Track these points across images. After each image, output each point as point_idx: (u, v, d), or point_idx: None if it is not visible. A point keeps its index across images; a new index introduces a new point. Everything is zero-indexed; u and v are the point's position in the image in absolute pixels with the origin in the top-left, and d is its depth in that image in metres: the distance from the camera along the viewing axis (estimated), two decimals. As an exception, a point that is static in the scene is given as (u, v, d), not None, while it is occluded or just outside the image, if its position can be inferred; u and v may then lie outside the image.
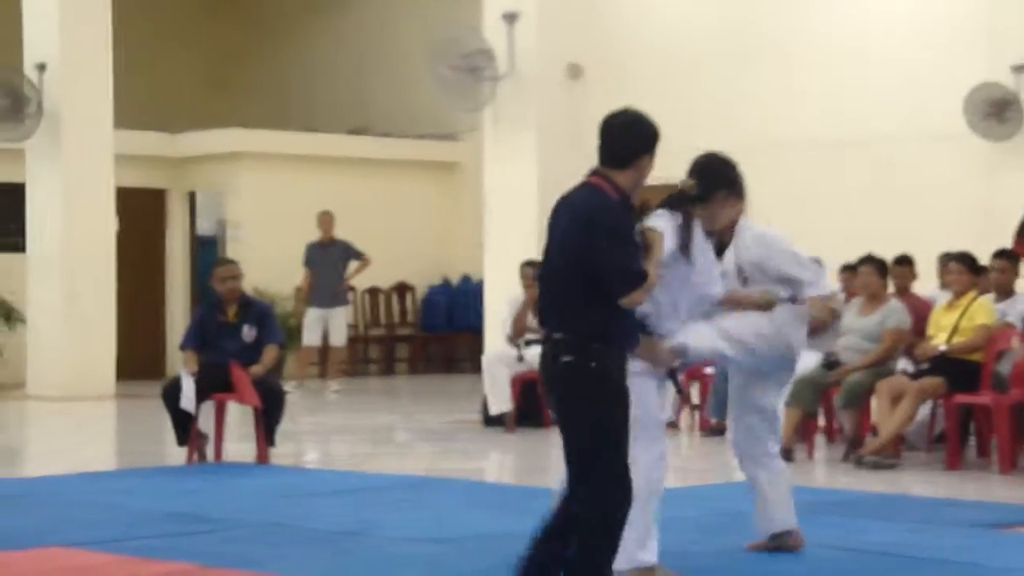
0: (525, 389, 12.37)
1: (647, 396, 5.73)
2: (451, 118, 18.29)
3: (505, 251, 13.52)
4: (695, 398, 12.63)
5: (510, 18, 13.73)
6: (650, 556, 5.69)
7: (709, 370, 12.18)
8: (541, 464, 10.89)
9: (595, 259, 5.01)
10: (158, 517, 7.73)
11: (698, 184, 5.89)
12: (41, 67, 15.66)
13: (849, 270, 11.20)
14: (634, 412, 5.24)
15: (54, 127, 15.63)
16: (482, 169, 14.11)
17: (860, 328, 10.28)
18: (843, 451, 10.18)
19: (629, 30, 16.82)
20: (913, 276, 11.22)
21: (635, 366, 5.58)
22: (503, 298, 12.81)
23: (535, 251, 13.20)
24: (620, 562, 5.36)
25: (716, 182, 6.11)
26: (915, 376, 9.89)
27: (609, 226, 5.08)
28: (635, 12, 16.94)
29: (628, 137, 5.38)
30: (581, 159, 14.80)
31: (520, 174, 13.70)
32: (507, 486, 9.55)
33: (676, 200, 5.78)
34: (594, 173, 5.32)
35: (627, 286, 5.01)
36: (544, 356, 5.17)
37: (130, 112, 17.05)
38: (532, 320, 12.40)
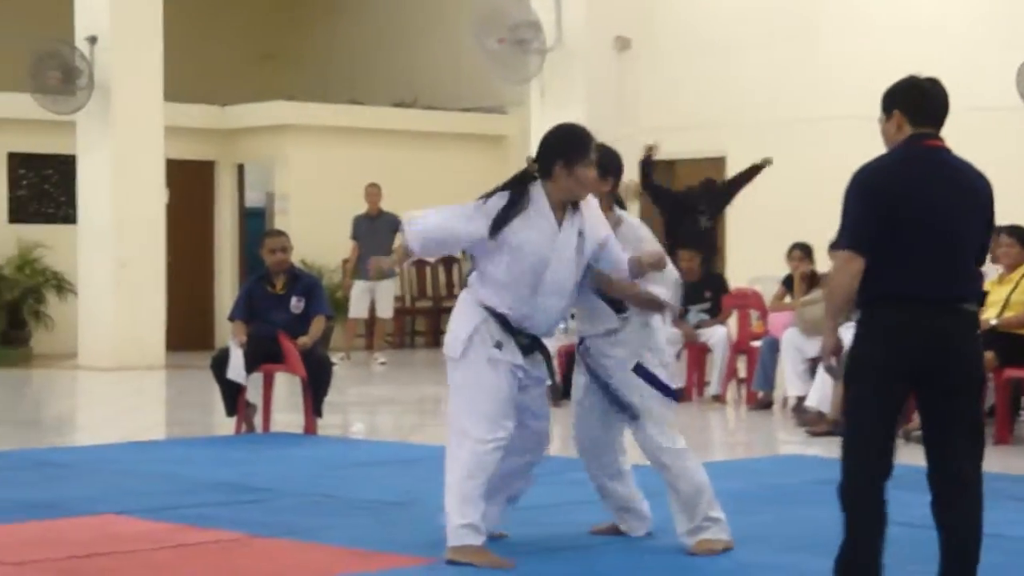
0: (570, 360, 12.38)
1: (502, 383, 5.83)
2: (498, 91, 18.30)
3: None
4: (742, 371, 12.63)
5: (557, -10, 13.75)
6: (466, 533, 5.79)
7: (756, 343, 12.18)
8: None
9: None
10: (207, 486, 7.81)
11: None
12: (92, 40, 15.76)
13: None
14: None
15: (105, 99, 15.74)
16: (529, 142, 14.11)
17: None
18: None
19: (677, 3, 16.77)
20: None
21: (496, 353, 5.79)
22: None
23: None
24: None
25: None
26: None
27: None
28: (683, -16, 16.89)
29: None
30: (628, 131, 14.95)
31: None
32: (551, 457, 9.57)
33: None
34: None
35: None
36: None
37: (180, 84, 17.15)
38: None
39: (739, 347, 12.54)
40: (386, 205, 16.58)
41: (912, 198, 4.78)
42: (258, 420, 10.27)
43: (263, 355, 10.00)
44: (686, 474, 6.06)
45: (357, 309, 16.50)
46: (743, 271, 13.88)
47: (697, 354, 12.51)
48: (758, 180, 13.66)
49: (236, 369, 9.87)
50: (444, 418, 9.82)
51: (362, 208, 16.56)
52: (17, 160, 17.87)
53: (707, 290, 12.62)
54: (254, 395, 10.24)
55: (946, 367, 4.75)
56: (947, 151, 4.90)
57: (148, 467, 8.59)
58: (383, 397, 13.46)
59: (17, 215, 17.84)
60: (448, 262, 19.66)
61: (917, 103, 4.90)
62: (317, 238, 17.60)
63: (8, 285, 17.10)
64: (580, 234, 5.89)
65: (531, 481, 6.33)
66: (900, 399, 4.80)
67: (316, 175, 18.66)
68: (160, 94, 16.08)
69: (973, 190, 4.88)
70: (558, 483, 7.74)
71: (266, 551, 6.20)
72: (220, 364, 10.01)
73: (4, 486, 7.88)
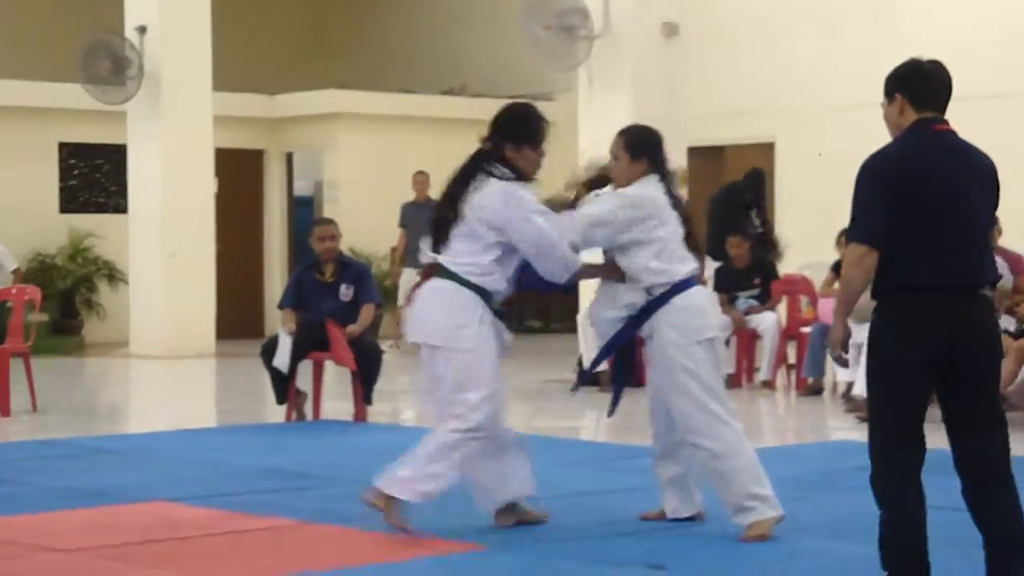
0: (620, 348, 12.37)
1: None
2: (546, 78, 18.26)
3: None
4: (791, 358, 12.58)
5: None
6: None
7: (806, 329, 12.12)
8: (637, 422, 10.90)
9: None
10: (257, 474, 7.86)
11: None
12: (142, 30, 15.85)
13: None
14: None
15: (154, 89, 15.83)
16: (576, 128, 14.09)
17: None
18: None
19: (725, -13, 16.70)
20: (999, 232, 11.08)
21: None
22: (598, 258, 12.80)
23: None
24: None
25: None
26: (1016, 336, 9.77)
27: None
28: (731, -31, 16.81)
29: None
30: (675, 118, 14.88)
31: (613, 133, 13.64)
32: (603, 444, 9.58)
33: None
34: None
35: None
36: None
37: (228, 74, 17.22)
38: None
39: (789, 333, 12.49)
40: (434, 193, 16.56)
41: (927, 184, 4.70)
42: (308, 408, 10.32)
43: (312, 343, 10.03)
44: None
45: (406, 297, 16.51)
46: (793, 257, 13.81)
47: (747, 340, 12.47)
48: (808, 166, 13.61)
49: (282, 358, 9.89)
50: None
51: (410, 196, 16.59)
52: (68, 150, 18.00)
53: (756, 276, 12.57)
54: (304, 383, 10.28)
55: (971, 355, 4.69)
56: (955, 134, 4.82)
57: (199, 455, 8.65)
58: (432, 384, 13.46)
59: (68, 205, 17.98)
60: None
61: (920, 87, 4.82)
62: (366, 226, 17.64)
63: (60, 274, 17.24)
64: None
65: None
66: (928, 391, 4.73)
67: (365, 163, 18.71)
68: (209, 83, 16.16)
69: (983, 173, 4.81)
70: (610, 470, 7.74)
71: (317, 538, 6.23)
72: (270, 352, 10.05)
73: (58, 474, 7.95)
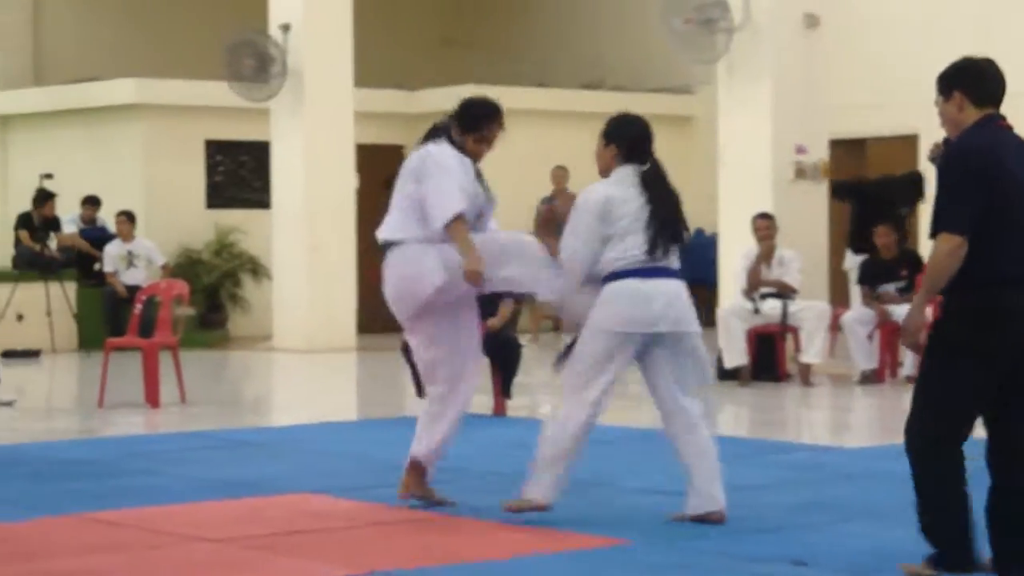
0: (760, 343, 12.30)
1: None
2: (685, 71, 18.18)
3: (739, 204, 13.42)
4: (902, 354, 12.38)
5: (745, -32, 13.58)
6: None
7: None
8: (776, 418, 10.84)
9: None
10: (399, 466, 7.92)
11: None
12: (285, 28, 16.08)
13: None
14: None
15: (297, 86, 16.04)
16: (716, 122, 14.01)
17: None
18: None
19: (867, -22, 16.47)
20: None
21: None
22: (737, 251, 12.74)
23: (769, 204, 13.08)
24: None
25: None
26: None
27: None
28: (873, -41, 16.59)
29: None
30: (816, 110, 14.71)
31: (755, 126, 13.57)
32: (742, 439, 9.52)
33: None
34: None
35: None
36: None
37: (369, 70, 17.40)
38: (767, 273, 12.31)
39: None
40: (573, 187, 16.61)
41: (1009, 178, 4.81)
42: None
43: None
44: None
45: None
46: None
47: (890, 334, 12.29)
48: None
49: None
50: (631, 400, 9.85)
51: (548, 190, 16.62)
52: (214, 147, 18.32)
53: (903, 268, 12.40)
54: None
55: None
56: (1014, 131, 4.96)
57: (342, 447, 8.76)
58: (571, 378, 13.48)
59: (214, 201, 18.30)
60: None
61: (979, 84, 5.00)
62: (503, 220, 17.62)
63: (206, 269, 17.56)
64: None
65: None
66: (996, 382, 4.88)
67: (503, 158, 18.70)
68: (350, 80, 16.34)
69: None
70: (750, 465, 7.68)
71: (457, 530, 6.29)
72: (410, 347, 10.11)
73: (204, 465, 8.12)
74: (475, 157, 6.60)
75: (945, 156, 4.99)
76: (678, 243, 6.30)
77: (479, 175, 6.64)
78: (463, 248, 6.31)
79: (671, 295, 6.25)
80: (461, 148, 6.57)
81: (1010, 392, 4.94)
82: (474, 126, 6.56)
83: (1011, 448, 4.97)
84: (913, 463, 4.98)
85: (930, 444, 4.92)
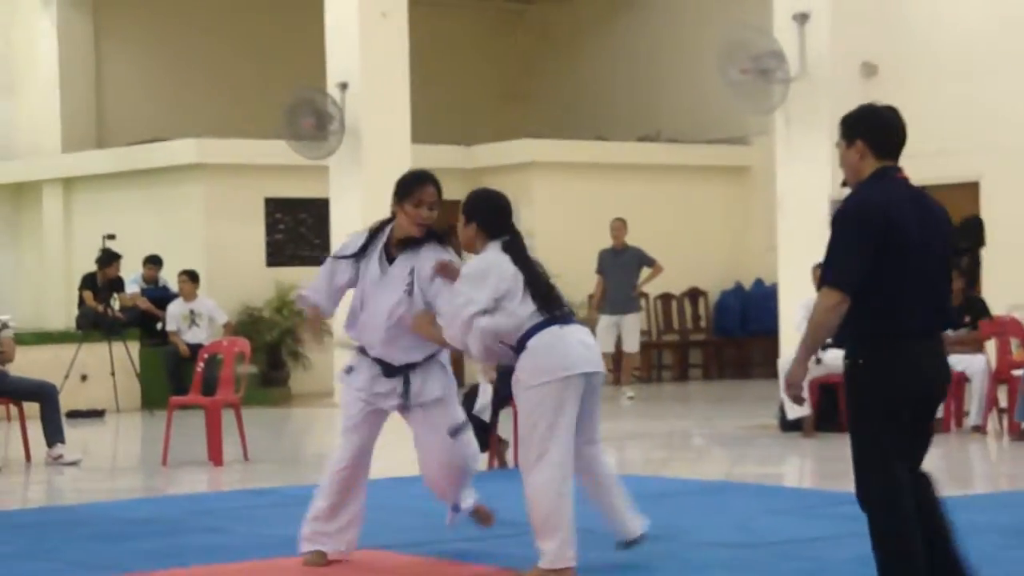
0: (823, 393, 12.21)
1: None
2: (741, 122, 18.18)
3: (799, 253, 13.36)
4: (1002, 401, 12.25)
5: (801, 18, 13.57)
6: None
7: (1017, 372, 11.80)
8: (842, 469, 10.71)
9: None
10: (463, 521, 7.90)
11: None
12: (343, 86, 16.22)
13: None
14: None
15: (355, 143, 16.16)
16: (774, 172, 13.98)
17: None
18: None
19: (924, 27, 16.44)
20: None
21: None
22: (797, 301, 12.67)
23: (830, 253, 13.02)
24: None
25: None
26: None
27: None
28: (930, 9, 16.55)
29: None
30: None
31: (813, 175, 13.51)
32: (808, 491, 9.44)
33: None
34: None
35: None
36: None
37: (426, 126, 17.50)
38: (829, 323, 12.22)
39: (999, 376, 12.16)
40: (631, 239, 16.60)
41: (906, 233, 4.92)
42: (509, 455, 10.37)
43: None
44: None
45: (603, 343, 16.53)
46: (1002, 298, 13.48)
47: (955, 384, 12.17)
48: (1015, 205, 13.31)
49: (483, 406, 10.00)
50: (695, 451, 9.80)
51: (607, 243, 16.63)
52: (273, 205, 18.47)
53: (967, 314, 12.29)
54: (505, 430, 10.34)
55: (941, 393, 5.13)
56: (910, 183, 5.08)
57: (404, 502, 8.75)
58: (632, 431, 13.46)
59: (274, 258, 18.43)
60: (694, 296, 19.57)
61: (882, 134, 5.10)
62: (562, 273, 17.67)
63: (267, 326, 17.66)
64: (411, 271, 6.56)
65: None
66: (910, 428, 5.02)
67: (561, 211, 18.81)
68: (408, 136, 16.44)
69: (941, 221, 5.08)
70: (815, 517, 7.62)
71: (522, 585, 6.24)
72: (471, 400, 10.15)
73: (268, 522, 8.13)
74: (419, 222, 6.64)
75: (842, 210, 5.05)
76: (558, 300, 6.38)
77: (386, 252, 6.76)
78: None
79: (579, 338, 6.34)
80: (407, 220, 6.69)
81: (911, 435, 5.08)
82: (407, 192, 6.68)
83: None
84: (872, 517, 5.04)
85: (884, 493, 4.99)
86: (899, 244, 4.90)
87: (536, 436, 6.20)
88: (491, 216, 6.48)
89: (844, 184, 5.20)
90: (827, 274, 4.93)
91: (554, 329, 6.21)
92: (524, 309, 6.21)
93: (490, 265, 6.30)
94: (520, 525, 7.69)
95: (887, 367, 4.93)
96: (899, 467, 4.97)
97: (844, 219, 4.96)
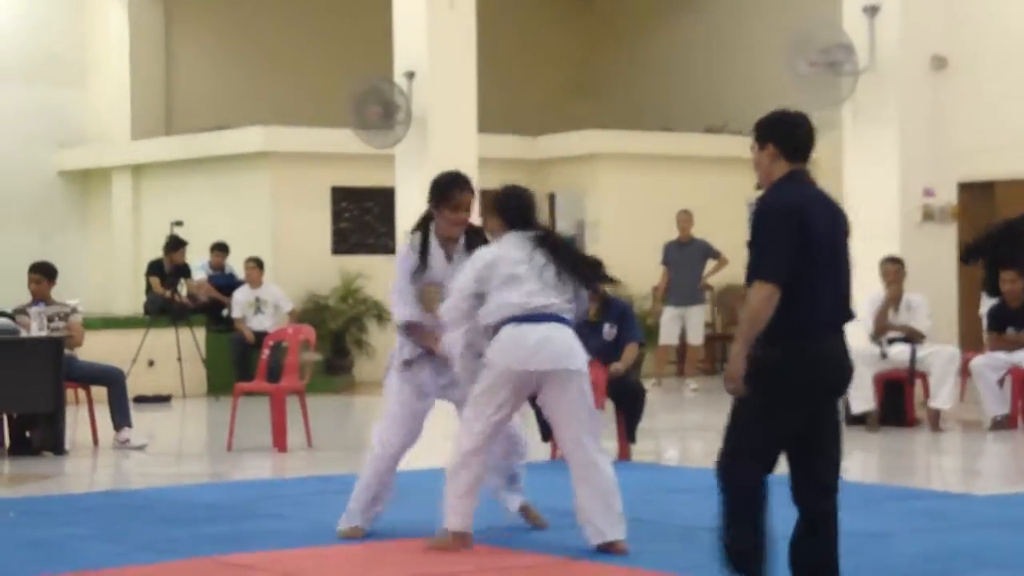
0: (888, 387, 12.14)
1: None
2: (809, 114, 18.07)
3: (866, 248, 13.25)
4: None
5: (871, 11, 13.46)
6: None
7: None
8: (906, 464, 10.70)
9: None
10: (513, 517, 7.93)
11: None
12: (410, 75, 16.26)
13: None
14: None
15: (421, 133, 16.20)
16: (840, 165, 13.90)
17: None
18: None
19: (995, 19, 16.28)
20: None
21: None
22: (865, 296, 12.60)
23: (897, 247, 12.93)
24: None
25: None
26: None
27: None
28: (1000, 1, 16.39)
29: None
30: (943, 153, 14.52)
31: (881, 170, 13.43)
32: (872, 486, 9.39)
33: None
34: None
35: None
36: None
37: (492, 116, 17.52)
38: (895, 317, 12.16)
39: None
40: (697, 231, 16.56)
41: (818, 232, 5.16)
42: (572, 446, 10.37)
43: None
44: None
45: (668, 335, 16.52)
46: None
47: (1021, 380, 12.07)
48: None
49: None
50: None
51: (673, 235, 16.59)
52: (340, 194, 18.56)
53: (1028, 313, 12.19)
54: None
55: (845, 386, 5.44)
56: (818, 187, 5.33)
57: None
58: (695, 423, 13.44)
59: (340, 247, 18.52)
60: (759, 288, 19.50)
61: (793, 139, 5.31)
62: (628, 265, 17.65)
63: (332, 315, 17.75)
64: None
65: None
66: (806, 421, 5.26)
67: (627, 203, 18.79)
68: (474, 126, 16.46)
69: (845, 223, 5.36)
70: (881, 513, 7.59)
71: (583, 574, 6.27)
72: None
73: (332, 509, 8.16)
74: (459, 225, 7.07)
75: (761, 209, 5.30)
76: (575, 290, 6.80)
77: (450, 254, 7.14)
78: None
79: (544, 336, 6.66)
80: (447, 223, 7.08)
81: (816, 431, 5.28)
82: (445, 197, 7.08)
83: (814, 481, 5.33)
84: (726, 495, 5.29)
85: (744, 478, 5.23)
86: (810, 242, 5.13)
87: (473, 409, 6.95)
88: (517, 212, 6.98)
89: (758, 187, 5.42)
90: (757, 269, 5.15)
91: (524, 327, 6.62)
92: (508, 298, 6.59)
93: (484, 253, 6.79)
94: (571, 515, 7.72)
95: (797, 361, 5.15)
96: (760, 470, 5.25)
97: (766, 216, 5.22)
